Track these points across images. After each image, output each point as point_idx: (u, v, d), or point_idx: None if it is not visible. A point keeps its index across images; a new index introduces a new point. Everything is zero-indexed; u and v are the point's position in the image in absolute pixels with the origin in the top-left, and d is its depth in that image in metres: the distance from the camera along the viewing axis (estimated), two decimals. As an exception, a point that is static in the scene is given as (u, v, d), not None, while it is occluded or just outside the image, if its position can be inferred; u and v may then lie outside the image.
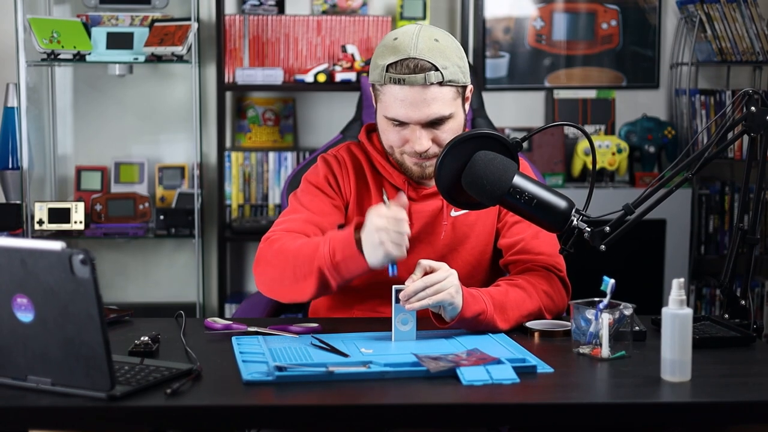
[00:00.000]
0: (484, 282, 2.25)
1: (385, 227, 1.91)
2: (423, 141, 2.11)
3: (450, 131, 2.12)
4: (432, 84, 2.07)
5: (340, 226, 2.21)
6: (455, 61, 2.11)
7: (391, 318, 1.96)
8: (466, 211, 2.23)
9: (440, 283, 1.93)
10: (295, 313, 2.55)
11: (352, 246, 1.96)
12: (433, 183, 2.19)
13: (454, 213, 2.23)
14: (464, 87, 2.16)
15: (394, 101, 2.09)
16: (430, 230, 2.22)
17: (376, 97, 2.16)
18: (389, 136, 2.16)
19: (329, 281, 2.00)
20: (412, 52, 2.07)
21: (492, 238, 2.27)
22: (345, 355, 1.83)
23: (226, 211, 4.00)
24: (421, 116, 2.09)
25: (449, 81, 2.09)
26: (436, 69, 2.07)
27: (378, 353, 1.85)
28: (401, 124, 2.12)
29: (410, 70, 2.07)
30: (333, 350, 1.86)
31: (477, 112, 2.98)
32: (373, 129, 2.26)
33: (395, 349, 1.90)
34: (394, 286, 1.95)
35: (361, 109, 3.03)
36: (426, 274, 1.95)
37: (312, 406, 1.63)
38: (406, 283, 1.94)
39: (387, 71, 2.09)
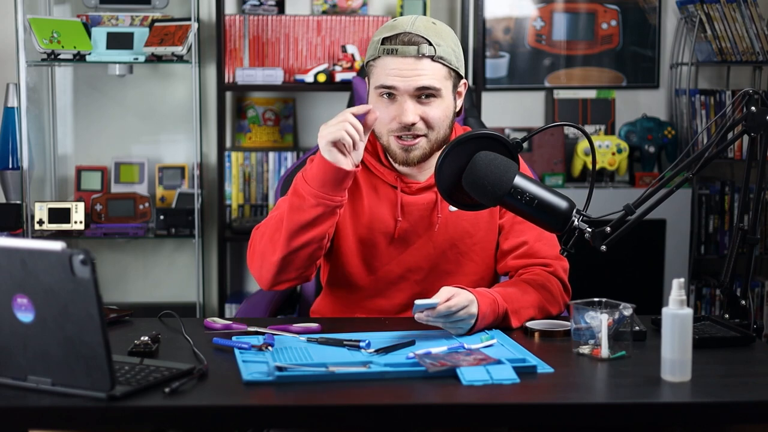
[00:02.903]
0: (491, 279, 2.26)
1: (327, 127, 2.02)
2: (409, 114, 2.12)
3: (439, 110, 2.14)
4: (424, 56, 2.11)
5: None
6: (450, 44, 2.14)
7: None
8: None
9: (456, 323, 1.96)
10: (292, 314, 2.56)
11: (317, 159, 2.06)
12: (424, 177, 2.21)
13: (452, 207, 2.23)
14: (458, 75, 2.17)
15: (386, 71, 2.13)
16: (424, 223, 2.22)
17: (370, 75, 2.19)
18: (378, 112, 2.16)
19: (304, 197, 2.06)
20: (409, 28, 2.13)
21: (495, 235, 2.26)
22: (356, 342, 1.87)
23: (226, 211, 4.00)
24: (410, 85, 2.11)
25: (440, 57, 2.12)
26: (430, 44, 2.11)
27: (375, 342, 1.89)
28: (391, 96, 2.13)
29: (404, 42, 2.11)
30: (340, 343, 1.88)
31: (469, 112, 2.97)
32: None
33: (391, 341, 1.91)
34: (416, 301, 1.94)
35: None
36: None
37: (312, 406, 1.63)
38: (432, 299, 1.95)
39: (382, 44, 2.14)
